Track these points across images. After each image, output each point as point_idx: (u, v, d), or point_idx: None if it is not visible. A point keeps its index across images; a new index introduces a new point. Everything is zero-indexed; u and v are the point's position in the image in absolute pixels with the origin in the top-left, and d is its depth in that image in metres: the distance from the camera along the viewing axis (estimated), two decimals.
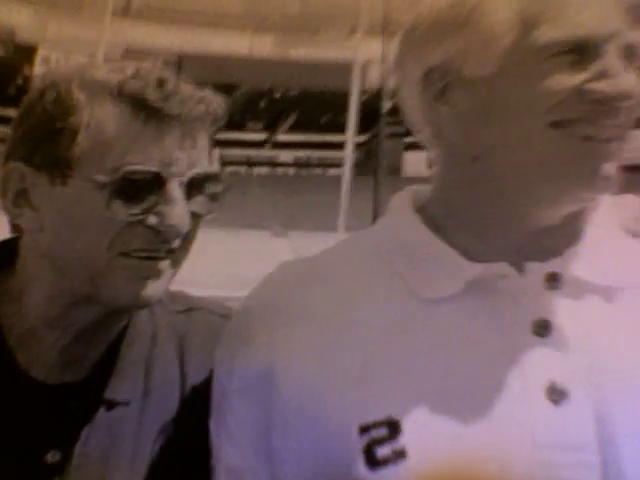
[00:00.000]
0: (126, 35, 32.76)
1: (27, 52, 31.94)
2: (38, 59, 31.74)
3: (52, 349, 1.20)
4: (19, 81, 31.39)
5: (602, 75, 0.98)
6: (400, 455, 0.98)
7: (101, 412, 1.19)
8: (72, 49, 29.22)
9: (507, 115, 1.01)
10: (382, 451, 0.99)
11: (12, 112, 1.27)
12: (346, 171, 27.02)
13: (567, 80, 0.98)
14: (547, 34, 0.98)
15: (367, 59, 29.62)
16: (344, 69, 30.04)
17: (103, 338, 1.23)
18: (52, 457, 1.16)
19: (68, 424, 1.17)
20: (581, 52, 0.99)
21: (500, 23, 1.01)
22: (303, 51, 35.24)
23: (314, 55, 34.73)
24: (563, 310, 1.03)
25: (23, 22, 32.82)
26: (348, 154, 27.72)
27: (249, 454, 1.10)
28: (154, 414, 1.23)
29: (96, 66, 1.18)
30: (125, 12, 34.34)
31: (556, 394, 0.98)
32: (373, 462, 0.98)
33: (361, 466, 0.99)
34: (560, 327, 1.01)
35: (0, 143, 1.22)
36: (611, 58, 0.99)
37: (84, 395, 1.20)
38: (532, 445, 0.96)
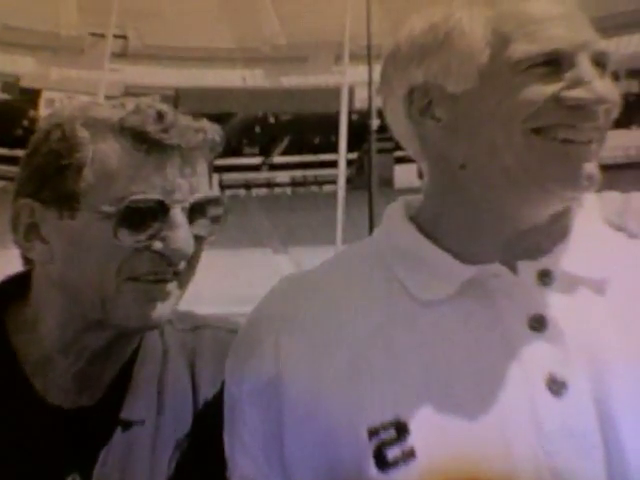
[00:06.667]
0: (125, 75, 32.88)
1: (32, 96, 32.05)
2: (43, 102, 31.84)
3: (67, 374, 1.19)
4: (25, 123, 31.48)
5: (577, 83, 0.99)
6: (409, 455, 0.97)
7: (118, 433, 1.19)
8: (74, 90, 29.30)
9: (489, 125, 1.02)
10: (392, 452, 0.98)
11: (20, 152, 1.26)
12: (340, 187, 27.09)
13: (543, 89, 0.99)
14: (521, 49, 0.99)
15: (354, 82, 29.76)
16: (333, 93, 30.13)
17: (115, 360, 1.23)
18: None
19: (86, 446, 1.17)
20: (555, 64, 1.00)
21: (476, 41, 1.03)
22: (293, 79, 35.39)
23: (304, 82, 34.87)
24: (556, 304, 1.03)
25: (27, 69, 32.99)
26: (341, 171, 27.79)
27: (262, 462, 1.09)
28: (169, 431, 1.22)
29: (98, 105, 1.18)
30: (123, 53, 34.50)
31: (556, 385, 0.98)
32: (383, 464, 0.98)
33: (372, 468, 0.98)
34: (555, 321, 1.02)
35: (10, 181, 1.22)
36: (584, 66, 1.00)
37: (100, 417, 1.19)
38: (536, 436, 0.96)
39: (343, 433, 1.01)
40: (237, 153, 38.34)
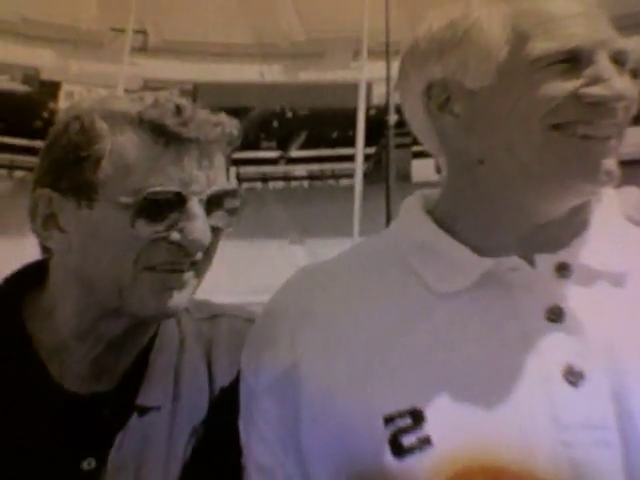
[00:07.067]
0: (144, 69, 32.94)
1: (52, 88, 32.14)
2: (62, 94, 31.93)
3: (83, 361, 1.20)
4: (45, 115, 31.56)
5: (596, 80, 0.99)
6: (425, 443, 0.98)
7: (134, 418, 1.19)
8: (94, 84, 29.37)
9: (507, 121, 1.02)
10: (408, 440, 0.98)
11: (39, 143, 1.27)
12: (358, 178, 27.02)
13: (563, 86, 0.99)
14: (540, 46, 1.00)
15: (372, 78, 29.71)
16: (350, 88, 30.03)
17: (132, 348, 1.24)
18: (88, 464, 1.16)
19: (102, 431, 1.17)
20: (574, 61, 1.00)
21: (495, 39, 1.03)
22: (311, 74, 35.35)
23: (322, 77, 34.82)
24: (574, 297, 1.03)
25: (47, 61, 33.12)
26: (359, 164, 27.74)
27: (278, 451, 1.09)
28: (185, 417, 1.23)
29: (117, 98, 1.19)
30: (142, 48, 34.57)
31: (573, 376, 0.98)
32: (399, 451, 0.98)
33: (388, 455, 0.99)
34: (572, 312, 1.02)
35: (29, 172, 1.23)
36: (603, 64, 1.00)
37: (116, 403, 1.20)
38: (553, 426, 0.96)
39: (359, 423, 1.01)
40: (254, 147, 38.31)
